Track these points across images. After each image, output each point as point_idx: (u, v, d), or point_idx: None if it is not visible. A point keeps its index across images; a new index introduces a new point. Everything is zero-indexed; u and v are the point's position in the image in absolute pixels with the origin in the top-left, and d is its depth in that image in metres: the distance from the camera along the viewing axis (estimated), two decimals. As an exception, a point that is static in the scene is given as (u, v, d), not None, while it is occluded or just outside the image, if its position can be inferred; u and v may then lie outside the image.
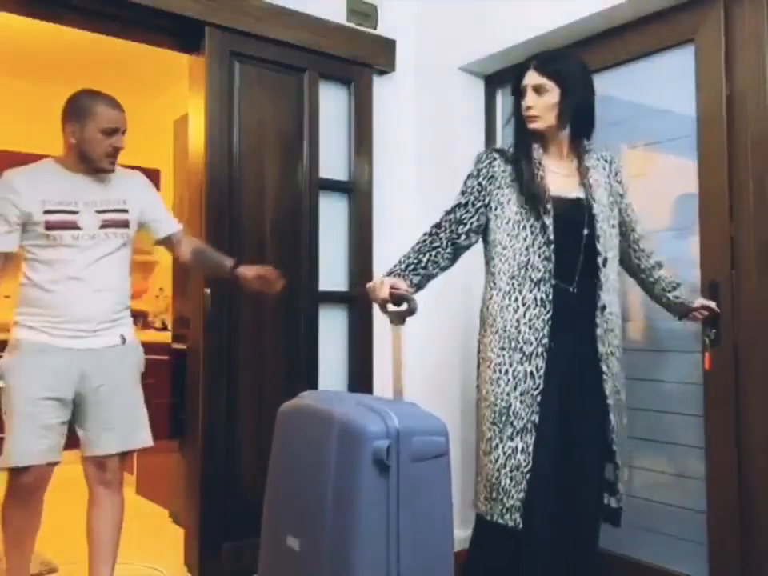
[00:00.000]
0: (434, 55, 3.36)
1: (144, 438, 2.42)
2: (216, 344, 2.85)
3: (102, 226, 2.33)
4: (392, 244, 3.00)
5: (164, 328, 4.62)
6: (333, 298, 3.19)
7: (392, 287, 2.04)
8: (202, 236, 2.85)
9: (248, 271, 2.39)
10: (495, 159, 2.19)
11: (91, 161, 2.33)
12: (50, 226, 2.25)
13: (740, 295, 2.34)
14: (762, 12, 2.29)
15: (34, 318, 2.26)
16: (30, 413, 2.20)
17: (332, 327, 3.19)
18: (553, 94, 2.11)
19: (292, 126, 3.08)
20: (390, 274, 2.14)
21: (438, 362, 3.12)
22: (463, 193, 2.21)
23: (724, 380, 2.34)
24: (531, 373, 2.05)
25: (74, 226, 2.28)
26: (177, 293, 4.32)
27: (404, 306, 2.04)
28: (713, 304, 2.30)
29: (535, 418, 2.04)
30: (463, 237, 2.19)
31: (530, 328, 2.06)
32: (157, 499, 3.89)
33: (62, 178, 2.33)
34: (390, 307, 2.06)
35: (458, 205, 2.20)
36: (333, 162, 3.21)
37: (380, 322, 2.85)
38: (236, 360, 2.90)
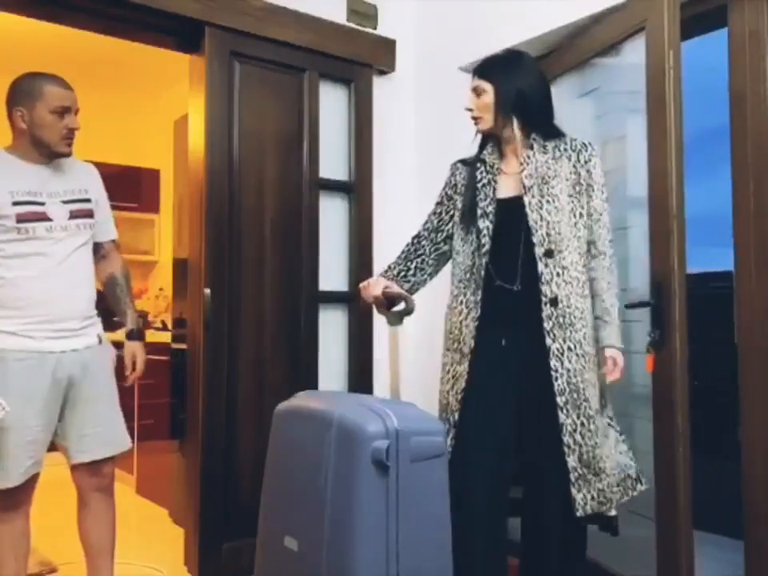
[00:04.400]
0: (434, 55, 3.36)
1: (127, 439, 2.36)
2: (216, 344, 2.85)
3: (72, 217, 2.22)
4: (392, 244, 3.00)
5: (164, 328, 4.61)
6: (333, 298, 3.19)
7: (386, 287, 2.14)
8: (202, 236, 2.85)
9: (128, 350, 2.42)
10: (458, 168, 2.31)
11: (46, 145, 2.18)
12: (21, 219, 2.11)
13: (740, 295, 2.33)
14: (763, 12, 2.28)
15: (11, 321, 2.12)
16: (21, 430, 2.10)
17: (332, 327, 3.19)
18: (489, 94, 2.16)
19: (292, 126, 3.08)
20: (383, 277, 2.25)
21: (434, 362, 3.11)
22: (436, 203, 2.34)
23: (669, 381, 2.24)
24: (462, 373, 2.14)
25: (45, 218, 2.15)
26: (177, 293, 4.32)
27: (401, 306, 2.06)
28: (607, 370, 2.10)
29: (456, 414, 2.13)
30: (442, 243, 2.30)
31: (469, 330, 2.13)
32: (157, 499, 3.89)
33: (20, 168, 2.18)
34: (391, 308, 2.08)
35: (433, 213, 2.34)
36: (333, 162, 3.21)
37: (380, 321, 2.85)
38: (236, 360, 2.90)
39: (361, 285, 2.23)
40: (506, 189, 2.18)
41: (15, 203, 2.12)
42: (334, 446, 1.73)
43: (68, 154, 2.25)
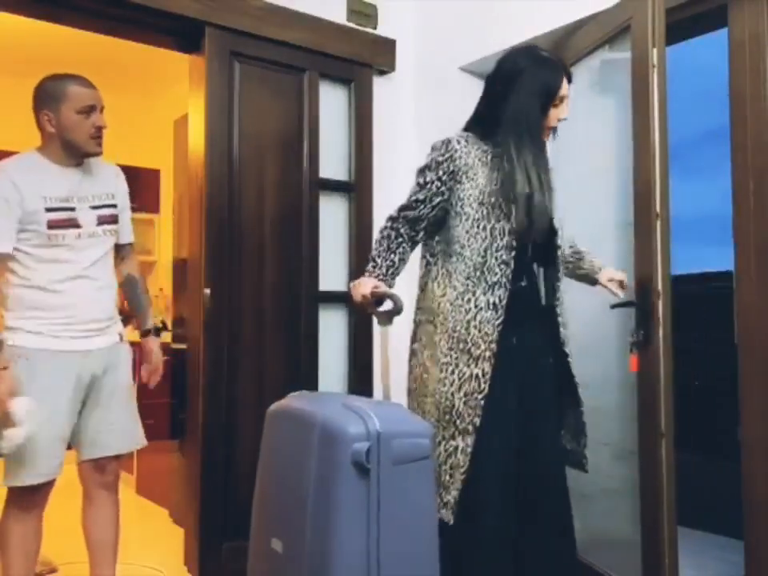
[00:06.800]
0: (434, 55, 3.36)
1: (142, 436, 2.39)
2: (216, 344, 2.85)
3: (99, 223, 2.25)
4: (392, 244, 3.01)
5: (164, 328, 4.61)
6: (333, 297, 3.19)
7: (374, 287, 2.05)
8: (202, 236, 2.85)
9: (146, 348, 2.44)
10: (456, 152, 2.08)
11: (76, 147, 2.19)
12: (52, 225, 2.13)
13: (740, 295, 2.34)
14: (763, 12, 2.29)
15: (37, 322, 2.15)
16: (48, 428, 2.11)
17: (332, 327, 3.19)
18: None
19: (292, 126, 3.08)
20: (372, 277, 2.12)
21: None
22: (421, 186, 2.12)
23: (652, 381, 2.21)
24: (477, 375, 2.03)
25: (75, 224, 2.18)
26: (177, 293, 4.32)
27: (389, 306, 2.04)
28: (618, 275, 2.28)
29: (477, 420, 2.01)
30: (421, 233, 2.16)
31: (479, 331, 2.03)
32: (157, 499, 3.89)
33: (53, 172, 2.19)
34: (379, 308, 2.06)
35: (417, 200, 2.12)
36: (333, 161, 3.21)
37: (380, 322, 2.85)
38: (236, 360, 2.90)
39: (351, 284, 2.14)
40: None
41: (48, 209, 2.14)
42: (316, 448, 1.71)
43: (99, 153, 2.25)
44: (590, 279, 2.34)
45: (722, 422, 3.07)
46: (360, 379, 3.21)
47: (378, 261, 2.14)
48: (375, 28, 3.33)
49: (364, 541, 1.65)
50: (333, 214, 3.22)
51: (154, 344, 2.45)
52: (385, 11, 3.37)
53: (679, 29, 2.57)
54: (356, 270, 3.21)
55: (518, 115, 2.06)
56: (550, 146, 2.19)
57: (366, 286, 2.06)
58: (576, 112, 2.67)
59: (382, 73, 3.38)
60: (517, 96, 2.05)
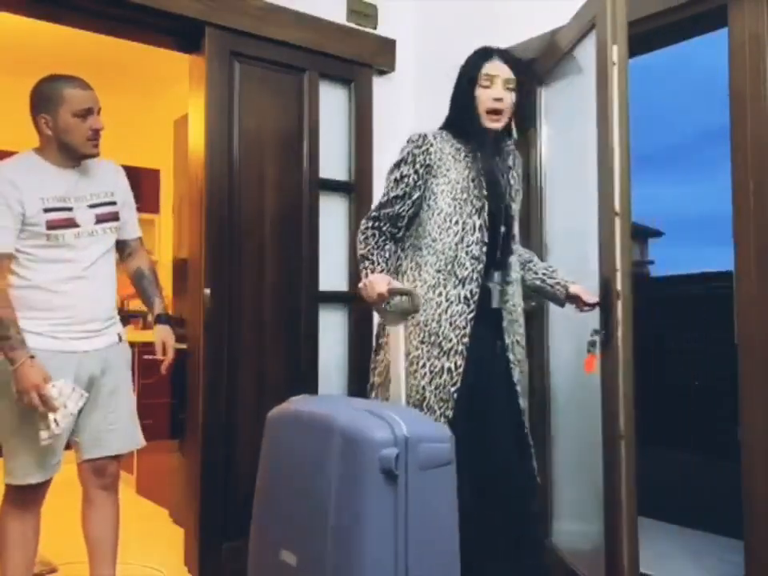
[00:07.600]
0: (434, 55, 3.36)
1: (141, 437, 2.39)
2: (216, 344, 2.85)
3: (98, 221, 2.26)
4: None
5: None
6: (333, 297, 3.19)
7: (388, 283, 2.02)
8: (202, 236, 2.85)
9: (158, 334, 2.40)
10: (432, 146, 2.13)
11: (73, 149, 2.20)
12: (51, 226, 2.15)
13: (740, 295, 2.33)
14: (763, 12, 2.28)
15: (37, 322, 2.15)
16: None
17: (332, 327, 3.19)
18: (515, 92, 2.14)
19: (292, 126, 3.08)
20: (377, 273, 2.12)
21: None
22: (397, 181, 2.15)
23: (612, 383, 2.17)
24: (449, 369, 2.05)
25: (73, 224, 2.19)
26: (177, 293, 4.32)
27: (395, 305, 2.01)
28: (582, 293, 2.26)
29: (449, 413, 2.03)
30: (403, 230, 2.18)
31: (450, 324, 2.05)
32: (157, 499, 3.89)
33: (51, 172, 2.21)
34: (390, 306, 2.03)
35: (396, 197, 2.15)
36: (333, 162, 3.21)
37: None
38: (236, 360, 2.90)
39: (360, 285, 2.11)
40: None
41: (46, 210, 2.15)
42: (337, 455, 1.64)
43: (95, 155, 2.26)
44: (560, 291, 2.31)
45: (722, 421, 3.07)
46: (360, 379, 3.20)
47: (373, 258, 2.14)
48: (375, 28, 3.33)
49: (391, 548, 1.60)
50: (333, 214, 3.21)
51: (159, 333, 2.40)
52: (385, 11, 3.37)
53: (679, 29, 2.58)
54: (356, 271, 3.21)
55: (453, 103, 2.22)
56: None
57: (380, 284, 2.01)
58: (571, 109, 2.69)
59: (381, 73, 3.38)
60: (453, 89, 2.21)
